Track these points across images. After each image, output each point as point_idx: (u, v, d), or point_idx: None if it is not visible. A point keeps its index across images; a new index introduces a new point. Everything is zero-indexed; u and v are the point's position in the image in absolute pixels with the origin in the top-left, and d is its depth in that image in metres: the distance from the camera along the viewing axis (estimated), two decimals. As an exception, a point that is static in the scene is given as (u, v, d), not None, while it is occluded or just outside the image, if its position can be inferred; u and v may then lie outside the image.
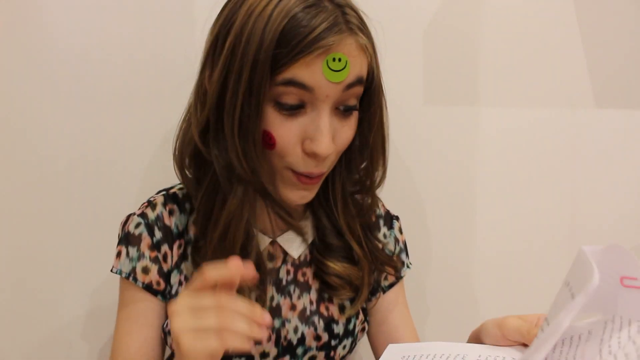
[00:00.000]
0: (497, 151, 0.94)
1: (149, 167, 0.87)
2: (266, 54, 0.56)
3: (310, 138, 0.60)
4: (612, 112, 0.95)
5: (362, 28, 0.62)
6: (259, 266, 0.67)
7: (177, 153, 0.67)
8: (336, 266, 0.70)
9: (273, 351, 0.68)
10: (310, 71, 0.57)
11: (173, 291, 0.68)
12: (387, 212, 0.78)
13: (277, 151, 0.61)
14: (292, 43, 0.56)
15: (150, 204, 0.69)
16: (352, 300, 0.71)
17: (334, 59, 0.58)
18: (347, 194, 0.70)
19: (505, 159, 0.95)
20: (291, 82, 0.57)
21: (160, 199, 0.69)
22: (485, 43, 0.91)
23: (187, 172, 0.68)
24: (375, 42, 0.64)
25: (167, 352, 0.72)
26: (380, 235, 0.76)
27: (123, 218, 0.70)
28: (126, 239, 0.67)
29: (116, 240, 0.69)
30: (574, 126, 0.95)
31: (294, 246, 0.71)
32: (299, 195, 0.64)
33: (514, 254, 0.97)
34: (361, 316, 0.73)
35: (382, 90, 0.66)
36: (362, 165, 0.70)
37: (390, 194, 0.93)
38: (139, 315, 0.67)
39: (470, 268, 0.97)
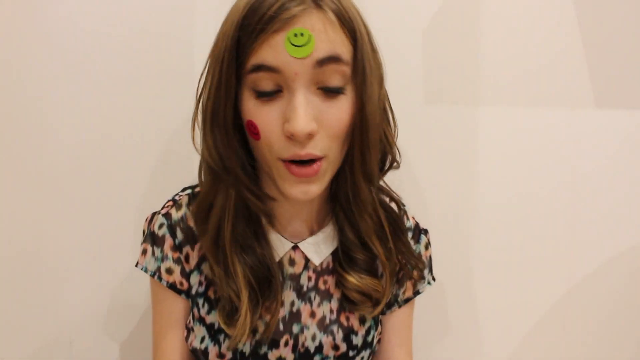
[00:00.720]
0: (497, 151, 0.94)
1: (153, 166, 0.87)
2: (232, 40, 0.57)
3: (287, 120, 0.57)
4: (612, 112, 0.95)
5: (334, 4, 0.58)
6: (275, 271, 0.66)
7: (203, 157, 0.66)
8: (357, 281, 0.67)
9: (290, 357, 0.67)
10: (273, 51, 0.56)
11: (193, 291, 0.69)
12: (417, 225, 0.76)
13: (263, 141, 0.59)
14: (252, 22, 0.56)
15: (176, 203, 0.70)
16: (364, 322, 0.70)
17: (295, 34, 0.55)
18: (354, 186, 0.65)
19: (506, 158, 0.94)
20: (259, 67, 0.56)
21: (184, 200, 0.70)
22: (485, 43, 0.91)
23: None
24: (363, 24, 0.61)
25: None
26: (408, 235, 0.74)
27: (148, 215, 0.71)
28: (151, 238, 0.68)
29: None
30: (574, 126, 0.95)
31: (316, 253, 0.69)
32: (299, 190, 0.61)
33: (513, 253, 0.97)
34: (380, 327, 0.73)
35: (372, 72, 0.61)
36: (361, 153, 0.63)
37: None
38: (170, 314, 0.70)
39: (470, 267, 0.97)
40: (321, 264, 0.69)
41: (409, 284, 0.74)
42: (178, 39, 0.85)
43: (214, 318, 0.67)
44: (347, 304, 0.69)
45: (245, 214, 0.65)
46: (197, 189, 0.70)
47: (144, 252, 0.69)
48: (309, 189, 0.61)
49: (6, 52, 0.82)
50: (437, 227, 0.95)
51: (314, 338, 0.68)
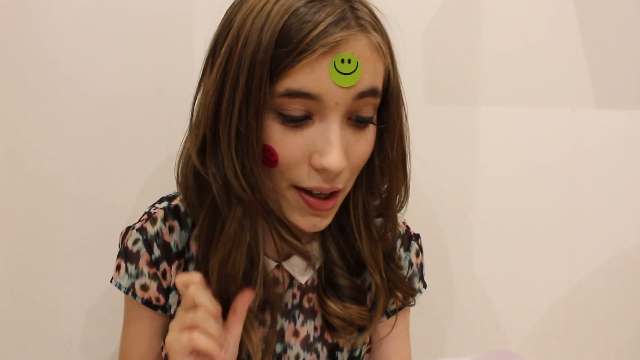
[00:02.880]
0: (497, 151, 0.94)
1: (151, 172, 0.87)
2: (265, 55, 0.49)
3: (319, 152, 0.52)
4: (612, 112, 0.95)
5: (375, 25, 0.54)
6: (268, 291, 0.62)
7: (179, 175, 0.61)
8: (338, 308, 0.63)
9: None
10: (315, 76, 0.50)
11: (172, 310, 0.65)
12: (407, 231, 0.72)
13: (280, 168, 0.53)
14: (294, 41, 0.49)
15: (151, 217, 0.64)
16: (358, 334, 0.67)
17: (342, 60, 0.50)
18: (370, 219, 0.62)
19: (506, 158, 0.94)
20: (294, 93, 0.50)
21: (160, 214, 0.64)
22: (485, 43, 0.91)
23: (190, 195, 0.61)
24: (391, 43, 0.57)
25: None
26: (397, 251, 0.70)
27: (123, 229, 0.67)
28: (125, 254, 0.64)
29: (117, 244, 0.69)
30: (574, 126, 0.95)
31: (301, 271, 0.65)
32: (310, 223, 0.57)
33: (514, 253, 0.97)
34: (366, 339, 0.70)
35: (402, 99, 0.59)
36: (384, 187, 0.62)
37: (390, 194, 0.93)
38: (144, 332, 0.67)
39: (470, 267, 0.97)
40: (307, 281, 0.66)
41: (408, 300, 0.70)
42: (178, 39, 0.85)
43: None
44: (327, 328, 0.65)
45: (254, 239, 0.59)
46: (173, 202, 0.65)
47: (118, 267, 0.65)
48: (320, 223, 0.57)
49: (6, 53, 0.81)
50: (437, 227, 0.95)
51: (297, 357, 0.66)
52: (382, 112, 0.58)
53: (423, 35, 0.90)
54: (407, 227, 0.72)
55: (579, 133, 0.95)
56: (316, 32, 0.49)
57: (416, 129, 0.92)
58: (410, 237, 0.72)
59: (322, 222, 0.57)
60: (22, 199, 0.84)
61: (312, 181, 0.54)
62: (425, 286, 0.74)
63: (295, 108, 0.51)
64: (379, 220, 0.66)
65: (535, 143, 0.94)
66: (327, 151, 0.52)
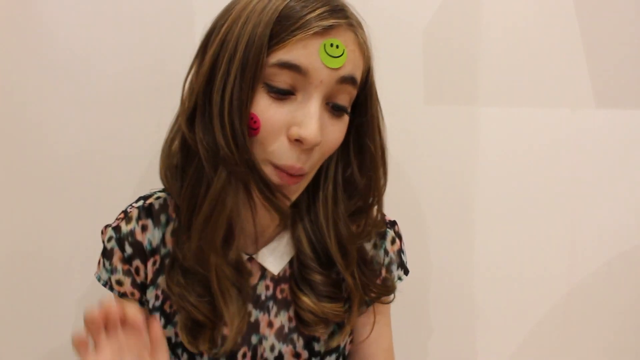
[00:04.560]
0: (497, 151, 0.94)
1: (149, 168, 0.87)
2: (265, 29, 0.55)
3: (298, 124, 0.56)
4: (612, 112, 0.95)
5: (362, 28, 0.61)
6: (241, 274, 0.64)
7: (165, 147, 0.64)
8: (312, 303, 0.65)
9: None
10: (306, 52, 0.55)
11: (150, 305, 0.68)
12: (382, 219, 0.72)
13: (260, 138, 0.57)
14: (291, 20, 0.55)
15: (126, 216, 0.67)
16: (333, 333, 0.68)
17: (331, 44, 0.56)
18: (341, 217, 0.65)
19: (505, 159, 0.94)
20: (286, 64, 0.55)
21: (134, 213, 0.67)
22: (485, 43, 0.91)
23: (168, 172, 0.64)
24: (371, 49, 0.63)
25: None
26: (370, 247, 0.71)
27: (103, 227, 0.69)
28: (103, 250, 0.68)
29: None
30: (574, 126, 0.95)
31: (273, 262, 0.67)
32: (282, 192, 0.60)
33: (513, 253, 0.97)
34: (348, 330, 0.70)
35: (378, 98, 0.65)
36: (361, 180, 0.65)
37: (389, 195, 0.93)
38: None
39: (469, 267, 0.97)
40: (279, 272, 0.67)
41: (383, 299, 0.71)
42: (177, 41, 0.85)
43: (170, 332, 0.67)
44: (299, 322, 0.67)
45: (239, 208, 0.62)
46: (148, 201, 0.68)
47: (99, 262, 0.69)
48: (290, 195, 0.61)
49: (6, 52, 0.81)
50: (436, 227, 0.95)
51: (272, 348, 0.67)
52: (360, 107, 0.63)
53: (423, 35, 0.90)
54: (382, 214, 0.72)
55: (579, 133, 0.95)
56: (313, 14, 0.56)
57: (416, 129, 0.93)
58: (386, 225, 0.73)
59: (290, 196, 0.61)
60: (22, 198, 0.84)
61: (286, 158, 0.57)
62: (406, 273, 0.74)
63: (283, 80, 0.56)
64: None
65: (535, 143, 0.94)
66: (305, 123, 0.56)
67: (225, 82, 0.56)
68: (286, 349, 0.67)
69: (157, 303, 0.68)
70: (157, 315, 0.67)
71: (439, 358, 0.98)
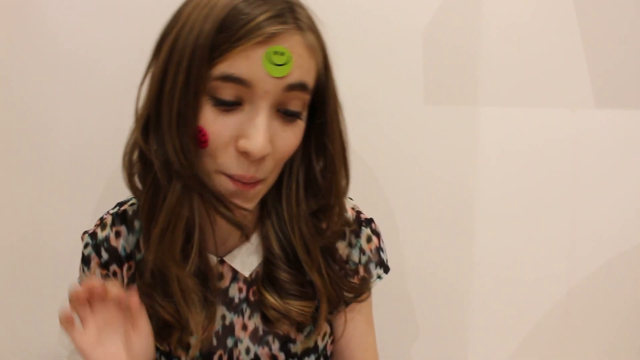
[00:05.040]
0: (497, 151, 0.94)
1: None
2: (206, 40, 0.53)
3: (245, 136, 0.55)
4: (612, 112, 0.95)
5: (312, 28, 0.58)
6: (207, 281, 0.65)
7: (125, 158, 0.63)
8: (275, 301, 0.65)
9: None
10: (249, 63, 0.54)
11: None
12: (357, 217, 0.71)
13: (209, 150, 0.57)
14: (233, 29, 0.53)
15: (102, 222, 0.69)
16: (309, 334, 0.68)
17: (275, 52, 0.54)
18: (303, 216, 0.64)
19: (505, 158, 0.94)
20: (229, 77, 0.54)
21: (109, 220, 0.69)
22: (485, 43, 0.91)
23: (135, 179, 0.64)
24: (327, 47, 0.61)
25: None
26: (342, 247, 0.70)
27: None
28: (82, 256, 0.70)
29: None
30: (574, 126, 0.95)
31: (244, 264, 0.67)
32: (239, 200, 0.59)
33: (514, 253, 0.97)
34: (327, 329, 0.70)
35: (337, 98, 0.63)
36: (323, 180, 0.64)
37: (389, 195, 0.93)
38: None
39: (470, 267, 0.97)
40: (251, 274, 0.67)
41: (357, 298, 0.70)
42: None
43: (155, 339, 0.66)
44: (264, 320, 0.67)
45: (196, 219, 0.61)
46: (122, 207, 0.69)
47: (80, 268, 0.71)
48: (242, 204, 0.60)
49: (5, 53, 0.81)
50: (436, 226, 0.95)
51: (248, 351, 0.67)
52: (318, 109, 0.61)
53: (423, 35, 0.90)
54: (358, 212, 0.72)
55: (579, 133, 0.95)
56: (254, 23, 0.53)
57: (416, 129, 0.93)
58: (361, 223, 0.71)
59: (245, 204, 0.60)
60: (23, 198, 0.84)
61: (236, 168, 0.57)
62: (386, 271, 0.73)
63: (228, 92, 0.55)
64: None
65: (535, 143, 0.94)
66: (252, 135, 0.55)
67: (172, 95, 0.55)
68: (262, 351, 0.67)
69: None
70: (134, 286, 0.65)
71: (438, 358, 0.97)
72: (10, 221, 0.85)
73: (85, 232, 0.70)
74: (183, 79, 0.55)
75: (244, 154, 0.56)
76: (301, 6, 0.58)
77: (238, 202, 0.59)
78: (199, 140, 0.57)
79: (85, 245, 0.69)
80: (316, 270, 0.65)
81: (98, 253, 0.68)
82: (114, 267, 0.68)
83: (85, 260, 0.69)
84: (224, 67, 0.54)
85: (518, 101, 0.93)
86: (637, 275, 0.99)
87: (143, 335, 0.61)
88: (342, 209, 0.67)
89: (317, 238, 0.65)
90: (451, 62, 0.91)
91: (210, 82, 0.55)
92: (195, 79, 0.54)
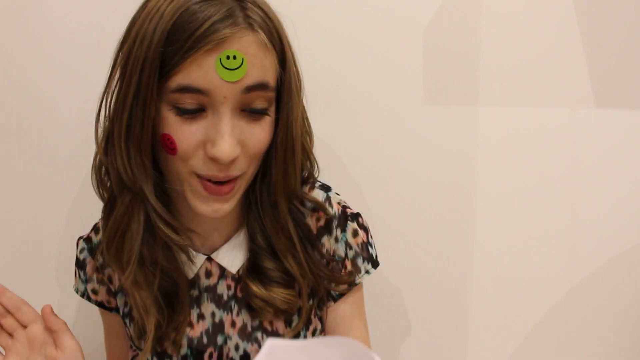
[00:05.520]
0: (497, 151, 0.94)
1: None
2: (154, 53, 0.53)
3: (211, 142, 0.55)
4: (612, 112, 0.95)
5: (265, 25, 0.56)
6: (182, 287, 0.65)
7: (94, 165, 0.64)
8: (258, 289, 0.65)
9: None
10: (202, 72, 0.53)
11: (121, 312, 0.71)
12: (343, 212, 0.70)
13: (180, 156, 0.57)
14: (181, 39, 0.52)
15: (95, 227, 0.71)
16: (290, 323, 0.68)
17: (227, 57, 0.53)
18: (267, 206, 0.65)
19: (505, 158, 0.94)
20: (185, 89, 0.53)
21: (102, 223, 0.68)
22: (485, 43, 0.91)
23: (104, 186, 0.65)
24: (288, 42, 0.60)
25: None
26: (331, 241, 0.69)
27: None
28: (77, 261, 0.72)
29: None
30: (574, 126, 0.95)
31: (232, 261, 0.67)
32: (211, 209, 0.60)
33: (513, 253, 0.97)
34: (317, 325, 0.70)
35: (297, 93, 0.62)
36: (284, 171, 0.64)
37: (388, 195, 0.93)
38: (111, 328, 0.75)
39: (469, 267, 0.97)
40: (238, 271, 0.67)
41: (340, 287, 0.70)
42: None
43: (134, 337, 0.69)
44: (248, 310, 0.67)
45: (153, 228, 0.62)
46: None
47: (75, 274, 0.72)
48: (220, 207, 0.60)
49: (5, 53, 0.81)
50: (436, 226, 0.95)
51: (237, 348, 0.67)
52: (279, 104, 0.61)
53: (423, 35, 0.90)
54: (344, 207, 0.71)
55: (579, 133, 0.95)
56: (202, 29, 0.52)
57: (416, 129, 0.93)
58: (347, 218, 0.70)
59: (223, 207, 0.60)
60: (23, 197, 0.84)
61: (207, 170, 0.57)
62: (375, 266, 0.72)
63: (188, 102, 0.55)
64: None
65: (535, 143, 0.94)
66: (217, 142, 0.55)
67: (123, 110, 0.56)
68: (251, 348, 0.67)
69: (126, 309, 0.70)
70: (49, 305, 0.65)
71: (437, 359, 0.97)
72: (10, 222, 0.85)
73: (80, 238, 0.72)
74: (133, 93, 0.55)
75: (213, 158, 0.56)
76: (253, 1, 0.56)
77: (207, 210, 0.59)
78: (168, 147, 0.57)
79: (81, 250, 0.71)
80: (291, 257, 0.65)
81: (93, 257, 0.70)
82: (108, 270, 0.70)
83: (81, 265, 0.71)
84: (179, 79, 0.53)
85: (518, 101, 0.93)
86: (637, 275, 0.99)
87: (68, 352, 0.61)
88: (283, 206, 0.65)
89: (276, 230, 0.65)
90: (451, 62, 0.91)
91: (169, 93, 0.54)
92: (144, 93, 0.54)
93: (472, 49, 0.91)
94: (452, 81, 0.92)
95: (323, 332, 0.72)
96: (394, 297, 0.95)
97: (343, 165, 0.92)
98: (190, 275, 0.66)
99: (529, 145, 0.94)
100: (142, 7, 0.58)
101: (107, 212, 0.63)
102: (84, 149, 0.85)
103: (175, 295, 0.65)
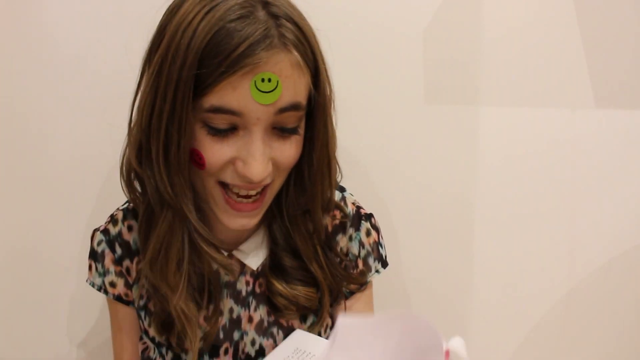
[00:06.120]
0: (497, 151, 0.94)
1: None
2: (189, 73, 0.52)
3: (242, 160, 0.56)
4: (612, 112, 0.95)
5: (300, 44, 0.56)
6: (212, 284, 0.66)
7: (123, 167, 0.64)
8: (282, 287, 0.66)
9: None
10: (237, 94, 0.53)
11: (136, 304, 0.70)
12: (357, 212, 0.72)
13: (207, 170, 0.57)
14: (216, 61, 0.52)
15: (112, 219, 0.70)
16: (312, 325, 0.69)
17: (262, 80, 0.52)
18: (298, 212, 0.66)
19: (505, 158, 0.94)
20: (218, 109, 0.53)
21: (120, 215, 0.70)
22: (485, 43, 0.91)
23: (132, 188, 0.65)
24: (322, 58, 0.59)
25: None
26: (344, 241, 0.71)
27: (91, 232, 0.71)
28: (93, 254, 0.70)
29: None
30: (574, 126, 0.95)
31: (252, 257, 0.68)
32: (238, 224, 0.61)
33: (513, 254, 0.97)
34: (328, 321, 0.71)
35: (329, 108, 0.62)
36: (322, 184, 0.65)
37: (388, 195, 0.93)
38: (124, 324, 0.72)
39: (469, 267, 0.97)
40: (258, 267, 0.68)
41: (352, 287, 0.71)
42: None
43: (154, 332, 0.68)
44: (272, 309, 0.68)
45: (190, 237, 0.63)
46: (131, 205, 0.69)
47: (90, 267, 0.70)
48: (248, 223, 0.61)
49: (4, 55, 0.82)
50: (436, 226, 0.95)
51: (253, 343, 0.68)
52: (309, 121, 0.61)
53: (423, 35, 0.90)
54: (358, 207, 0.73)
55: (579, 133, 0.95)
56: (237, 52, 0.51)
57: (416, 129, 0.93)
58: (361, 217, 0.72)
59: (251, 222, 0.61)
60: (23, 198, 0.84)
61: (235, 180, 0.57)
62: (384, 265, 0.74)
63: (220, 122, 0.55)
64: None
65: (535, 143, 0.94)
66: (248, 162, 0.55)
67: (159, 129, 0.55)
68: (267, 343, 0.68)
69: (142, 302, 0.69)
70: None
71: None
72: (8, 223, 0.85)
73: (96, 230, 0.70)
74: (168, 113, 0.54)
75: (244, 177, 0.56)
76: (288, 17, 0.56)
77: (235, 225, 0.60)
78: (197, 162, 0.57)
79: (99, 242, 0.69)
80: (315, 261, 0.67)
81: (112, 249, 0.69)
82: (127, 262, 0.69)
83: (99, 257, 0.69)
84: (212, 100, 0.53)
85: (518, 101, 0.93)
86: (637, 275, 0.99)
87: None
88: (320, 216, 0.66)
89: (310, 234, 0.67)
90: (451, 62, 0.91)
91: (202, 113, 0.54)
92: (179, 112, 0.54)
93: (472, 49, 0.91)
94: (452, 81, 0.92)
95: (333, 327, 0.72)
96: (393, 297, 0.95)
97: (342, 165, 0.91)
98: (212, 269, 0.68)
99: (529, 145, 0.94)
100: (171, 13, 0.56)
101: (145, 224, 0.63)
102: (84, 148, 0.85)
103: (207, 291, 0.66)
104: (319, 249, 0.67)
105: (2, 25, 0.81)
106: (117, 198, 0.85)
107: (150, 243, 0.62)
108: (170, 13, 0.57)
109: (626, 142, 0.96)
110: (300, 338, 0.65)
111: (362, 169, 0.92)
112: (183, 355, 0.67)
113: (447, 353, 0.41)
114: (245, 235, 0.68)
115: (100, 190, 0.86)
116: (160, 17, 0.84)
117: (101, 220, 0.84)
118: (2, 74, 0.82)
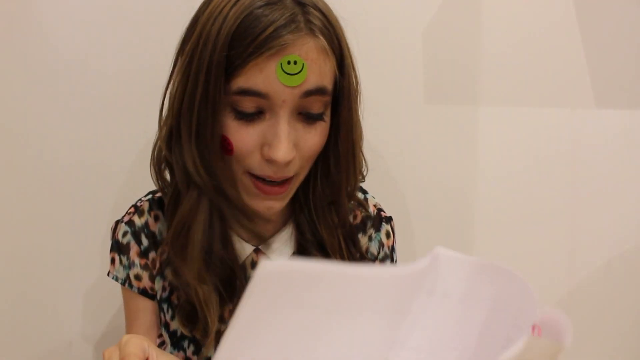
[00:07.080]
0: (497, 151, 0.94)
1: (147, 171, 0.87)
2: (220, 56, 0.54)
3: (268, 144, 0.57)
4: (612, 112, 0.95)
5: (326, 30, 0.58)
6: (238, 276, 0.66)
7: (154, 157, 0.66)
8: None
9: None
10: (263, 76, 0.54)
11: (158, 297, 0.68)
12: (379, 213, 0.74)
13: (236, 157, 0.59)
14: (244, 43, 0.54)
15: (137, 209, 0.69)
16: None
17: (288, 62, 0.54)
18: (324, 203, 0.67)
19: (505, 158, 0.95)
20: (246, 91, 0.55)
21: (146, 205, 0.69)
22: (485, 43, 0.91)
23: (162, 177, 0.66)
24: (347, 46, 0.61)
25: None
26: (364, 240, 0.72)
27: (112, 224, 0.70)
28: (117, 246, 0.69)
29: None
30: (574, 126, 0.95)
31: (279, 253, 0.68)
32: (264, 206, 0.62)
33: (513, 254, 0.97)
34: None
35: (355, 97, 0.63)
36: (347, 173, 0.66)
37: (388, 194, 0.93)
38: (143, 319, 0.70)
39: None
40: None
41: None
42: (176, 41, 0.85)
43: (176, 325, 0.67)
44: None
45: (213, 220, 0.63)
46: (157, 194, 0.70)
47: (112, 261, 0.69)
48: (274, 205, 0.62)
49: (2, 58, 0.82)
50: (436, 226, 0.95)
51: None
52: (334, 109, 0.62)
53: (423, 35, 0.90)
54: (379, 209, 0.75)
55: (579, 133, 0.95)
56: (265, 34, 0.54)
57: (416, 129, 0.93)
58: (381, 219, 0.74)
59: (276, 205, 0.62)
60: (19, 199, 0.84)
61: (262, 170, 0.59)
62: None
63: (248, 105, 0.56)
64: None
65: (535, 143, 0.94)
66: (274, 145, 0.57)
67: (192, 112, 0.57)
68: None
69: (165, 294, 0.68)
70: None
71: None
72: (9, 221, 0.85)
73: (119, 222, 0.69)
74: (201, 95, 0.56)
75: (270, 161, 0.58)
76: (315, 5, 0.58)
77: (261, 207, 0.62)
78: (225, 148, 0.59)
79: (124, 234, 0.68)
80: (339, 255, 0.67)
81: (138, 240, 0.68)
82: (152, 254, 0.68)
83: (123, 250, 0.68)
84: (240, 82, 0.55)
85: (518, 101, 0.93)
86: (637, 275, 0.99)
87: None
88: (345, 205, 0.67)
89: (331, 228, 0.67)
90: (451, 62, 0.91)
91: (229, 96, 0.56)
92: (212, 95, 0.56)
93: (472, 49, 0.91)
94: (452, 81, 0.92)
95: None
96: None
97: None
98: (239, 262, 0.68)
99: (529, 145, 0.94)
100: (205, 6, 0.59)
101: (172, 207, 0.64)
102: (83, 149, 0.85)
103: (232, 284, 0.65)
104: (342, 241, 0.68)
105: (2, 25, 0.81)
106: (118, 198, 0.86)
107: (174, 222, 0.63)
108: (204, 5, 0.59)
109: (626, 142, 0.96)
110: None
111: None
112: (204, 350, 0.67)
113: (536, 329, 0.35)
114: (272, 231, 0.69)
115: (100, 190, 0.86)
116: (160, 18, 0.84)
117: (101, 220, 0.85)
118: (2, 74, 0.82)
